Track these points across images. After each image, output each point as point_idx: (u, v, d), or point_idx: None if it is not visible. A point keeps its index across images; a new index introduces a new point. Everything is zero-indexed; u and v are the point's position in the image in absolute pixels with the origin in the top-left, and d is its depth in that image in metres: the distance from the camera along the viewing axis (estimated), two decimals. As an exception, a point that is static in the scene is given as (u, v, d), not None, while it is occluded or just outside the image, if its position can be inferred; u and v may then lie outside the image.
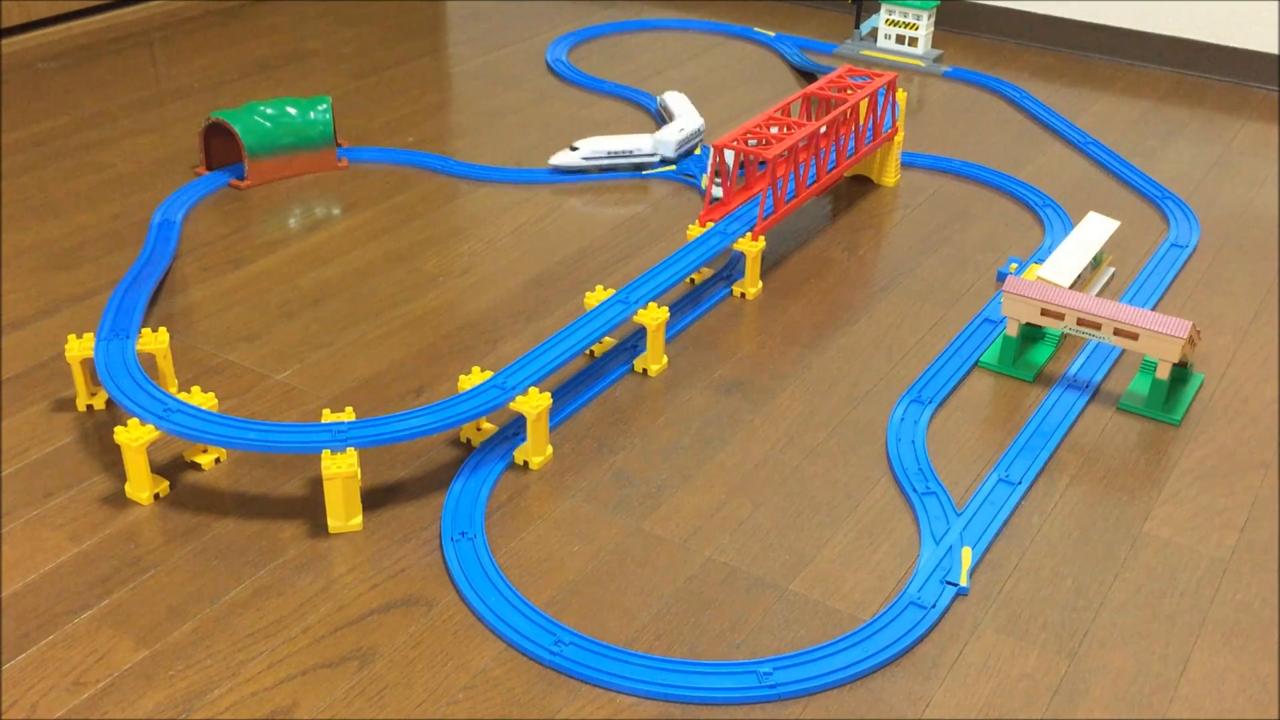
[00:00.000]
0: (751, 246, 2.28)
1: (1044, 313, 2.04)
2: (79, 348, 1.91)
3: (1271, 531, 1.77)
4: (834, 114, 2.48)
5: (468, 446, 1.90)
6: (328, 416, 1.76)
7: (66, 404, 1.97)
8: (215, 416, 1.76)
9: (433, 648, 1.54)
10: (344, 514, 1.72)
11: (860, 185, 2.77)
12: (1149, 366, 2.06)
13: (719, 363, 2.13)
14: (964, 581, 1.66)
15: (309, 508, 1.77)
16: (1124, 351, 2.15)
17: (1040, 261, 2.38)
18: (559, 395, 2.00)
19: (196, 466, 1.84)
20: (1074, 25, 3.58)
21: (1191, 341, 2.01)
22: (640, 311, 2.06)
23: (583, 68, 3.38)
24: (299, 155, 2.71)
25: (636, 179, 2.77)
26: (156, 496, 1.78)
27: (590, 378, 2.07)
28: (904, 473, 1.86)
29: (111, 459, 1.84)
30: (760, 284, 2.34)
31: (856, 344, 2.19)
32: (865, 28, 3.59)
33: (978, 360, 2.14)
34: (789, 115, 2.48)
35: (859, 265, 2.45)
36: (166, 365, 1.98)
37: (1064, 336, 2.18)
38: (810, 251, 2.49)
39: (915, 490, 1.82)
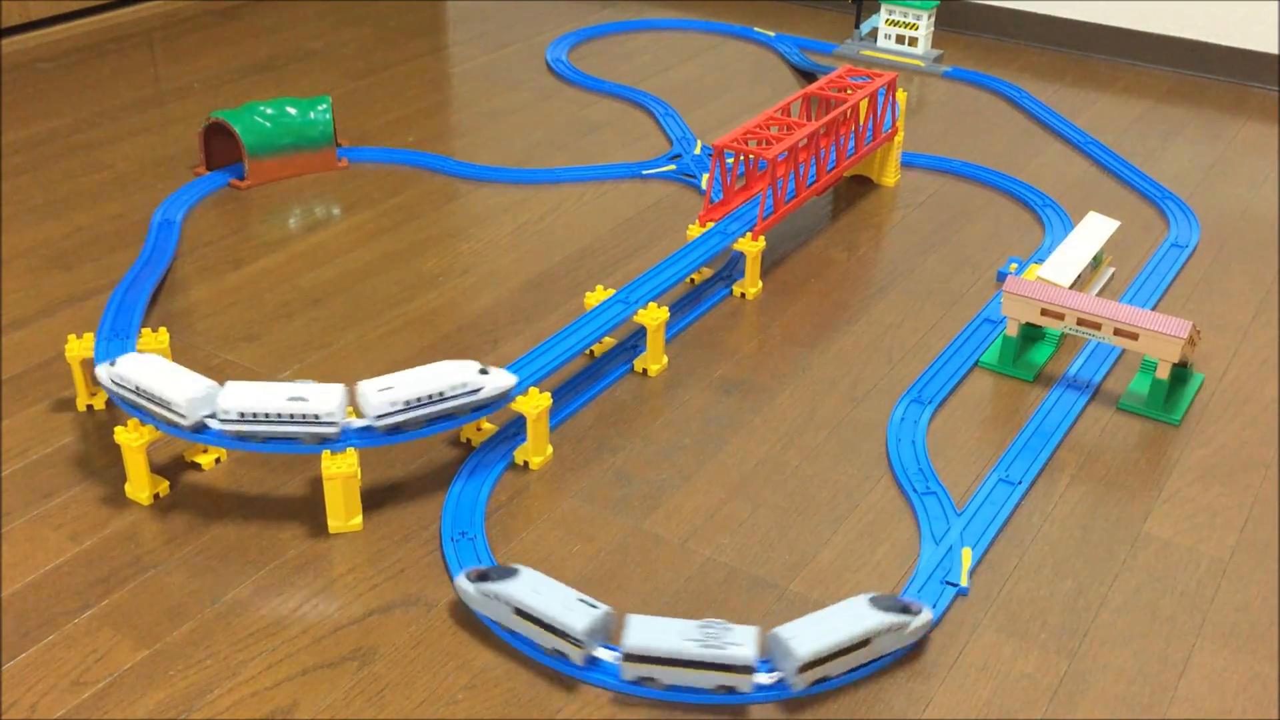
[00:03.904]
0: (751, 246, 2.28)
1: (1044, 313, 2.04)
2: (79, 348, 1.91)
3: (1271, 531, 1.77)
4: (834, 114, 2.48)
5: (468, 446, 1.90)
6: (328, 416, 1.76)
7: (66, 404, 1.97)
8: (215, 416, 1.76)
9: (433, 648, 1.54)
10: (344, 514, 1.72)
11: (860, 185, 2.77)
12: (1149, 366, 2.06)
13: (719, 363, 2.13)
14: (964, 582, 1.66)
15: (309, 508, 1.76)
16: (1124, 351, 2.15)
17: (1040, 261, 2.38)
18: (559, 395, 2.00)
19: (196, 466, 1.84)
20: (1074, 25, 3.58)
21: (1191, 341, 2.01)
22: (640, 311, 2.06)
23: (583, 68, 3.38)
24: (299, 155, 2.71)
25: (636, 179, 2.77)
26: (156, 496, 1.78)
27: (590, 378, 2.07)
28: (904, 473, 1.86)
29: (111, 459, 1.84)
30: (760, 284, 2.34)
31: (856, 344, 2.19)
32: (865, 28, 3.59)
33: (978, 360, 2.14)
34: (789, 115, 2.48)
35: (859, 265, 2.45)
36: (166, 365, 1.98)
37: (1064, 336, 2.18)
38: (810, 251, 2.49)
39: (915, 490, 1.82)
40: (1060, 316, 2.03)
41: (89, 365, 1.93)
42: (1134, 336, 1.98)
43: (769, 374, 2.10)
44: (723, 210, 2.37)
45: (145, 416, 1.70)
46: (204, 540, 1.70)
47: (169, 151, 2.84)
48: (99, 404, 1.96)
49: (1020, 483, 1.85)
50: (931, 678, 1.52)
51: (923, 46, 3.48)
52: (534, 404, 1.81)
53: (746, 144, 2.36)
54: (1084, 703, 1.49)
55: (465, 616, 1.59)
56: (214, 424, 1.68)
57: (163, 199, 2.60)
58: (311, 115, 2.70)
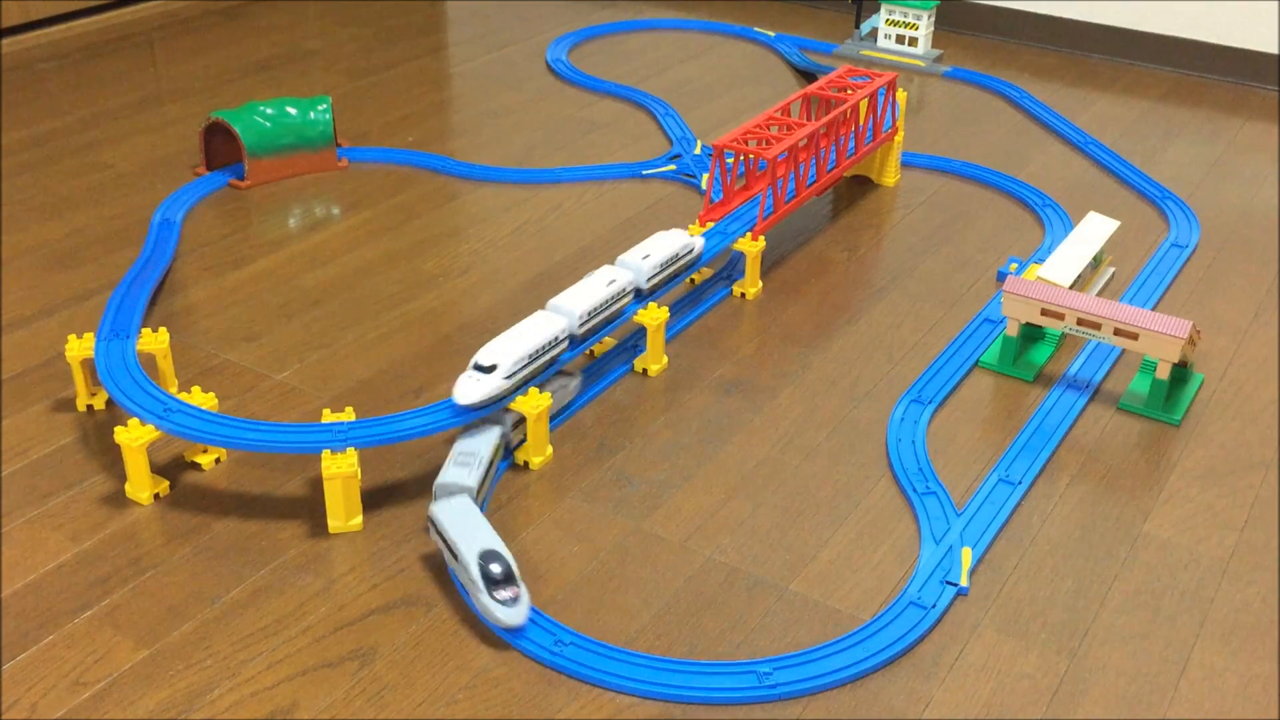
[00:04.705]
0: (751, 246, 2.28)
1: (1044, 313, 2.04)
2: (79, 348, 1.91)
3: (1271, 531, 1.77)
4: (834, 114, 2.48)
5: (468, 446, 1.90)
6: (328, 416, 1.76)
7: (66, 404, 1.97)
8: (215, 416, 1.76)
9: (433, 648, 1.54)
10: (344, 514, 1.72)
11: (860, 185, 2.77)
12: (1149, 366, 2.06)
13: (719, 363, 2.13)
14: (964, 581, 1.66)
15: (309, 508, 1.76)
16: (1124, 351, 2.15)
17: (1040, 261, 2.38)
18: (559, 395, 2.00)
19: (196, 466, 1.84)
20: (1074, 25, 3.58)
21: (1191, 341, 2.01)
22: (640, 311, 2.06)
23: (583, 68, 3.38)
24: (299, 155, 2.71)
25: (636, 179, 2.77)
26: (156, 496, 1.78)
27: (590, 378, 2.07)
28: (904, 473, 1.86)
29: (111, 459, 1.84)
30: (760, 284, 2.34)
31: (856, 344, 2.19)
32: (865, 28, 3.59)
33: (978, 360, 2.14)
34: (789, 115, 2.48)
35: (859, 265, 2.45)
36: (166, 365, 1.98)
37: (1064, 336, 2.18)
38: (810, 251, 2.49)
39: (915, 490, 1.82)
40: (1060, 316, 2.03)
41: (89, 365, 1.93)
42: (1134, 336, 1.98)
43: (769, 374, 2.10)
44: (723, 210, 2.37)
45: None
46: (204, 540, 1.70)
47: (169, 151, 2.84)
48: (99, 404, 1.96)
49: (1020, 483, 1.85)
50: (931, 678, 1.52)
51: (923, 46, 3.48)
52: (534, 404, 1.81)
53: (746, 144, 2.36)
54: (1084, 703, 1.49)
55: (465, 616, 1.59)
56: (579, 330, 1.90)
57: (163, 199, 2.60)
58: (311, 115, 2.70)
